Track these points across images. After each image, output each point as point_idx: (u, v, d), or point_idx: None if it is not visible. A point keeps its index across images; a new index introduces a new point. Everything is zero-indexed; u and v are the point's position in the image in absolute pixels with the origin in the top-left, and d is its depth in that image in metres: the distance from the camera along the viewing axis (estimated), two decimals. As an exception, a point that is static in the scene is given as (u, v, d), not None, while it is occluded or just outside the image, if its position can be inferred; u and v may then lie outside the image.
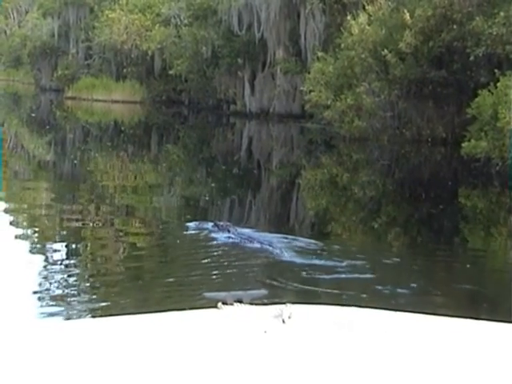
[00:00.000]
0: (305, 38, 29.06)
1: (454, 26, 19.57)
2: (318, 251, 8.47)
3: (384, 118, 21.14)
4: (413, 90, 20.95)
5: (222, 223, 9.46)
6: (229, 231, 9.11)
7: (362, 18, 21.92)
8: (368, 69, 21.29)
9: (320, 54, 24.13)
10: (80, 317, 5.58)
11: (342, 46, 22.52)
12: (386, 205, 13.22)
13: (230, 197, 13.54)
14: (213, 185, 15.13)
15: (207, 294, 1.91)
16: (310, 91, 22.94)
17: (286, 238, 9.02)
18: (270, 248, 8.35)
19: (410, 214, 12.45)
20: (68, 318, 5.64)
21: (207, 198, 13.29)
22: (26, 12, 58.53)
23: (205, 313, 1.90)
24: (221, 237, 8.93)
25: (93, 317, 5.23)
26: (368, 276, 7.41)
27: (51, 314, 5.92)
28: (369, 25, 21.64)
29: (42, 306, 6.20)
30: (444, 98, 20.79)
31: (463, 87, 20.14)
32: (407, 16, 20.17)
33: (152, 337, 1.81)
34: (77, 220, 10.52)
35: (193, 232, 9.40)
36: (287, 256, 8.09)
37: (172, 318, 1.93)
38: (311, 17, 28.95)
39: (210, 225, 9.48)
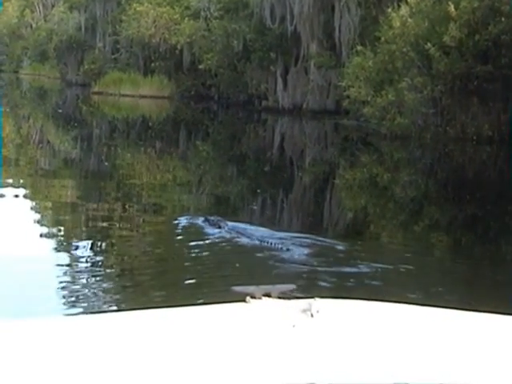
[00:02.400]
0: (339, 32, 28.80)
1: (502, 19, 19.11)
2: (333, 251, 8.33)
3: (426, 114, 20.74)
4: (457, 86, 20.49)
5: (212, 218, 9.45)
6: (219, 226, 9.10)
7: (404, 10, 21.53)
8: (410, 63, 20.90)
9: (359, 47, 23.76)
10: (104, 312, 5.62)
11: (382, 39, 22.13)
12: (429, 206, 12.90)
13: (261, 195, 13.34)
14: (243, 183, 14.97)
15: (235, 288, 1.90)
16: (349, 87, 22.63)
17: (297, 237, 8.85)
18: (263, 243, 8.33)
19: (453, 215, 12.12)
20: (92, 313, 5.70)
21: (237, 197, 13.13)
22: (52, 6, 59.14)
23: (233, 307, 1.92)
24: (212, 232, 8.93)
25: (119, 311, 5.21)
26: (404, 277, 7.32)
27: (77, 310, 5.97)
28: (411, 17, 21.24)
29: (67, 302, 6.23)
30: (490, 94, 20.31)
31: (510, 83, 19.66)
32: (452, 8, 19.72)
33: (181, 331, 1.80)
34: (102, 217, 10.45)
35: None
36: (283, 252, 8.03)
37: (200, 312, 1.94)
38: (346, 9, 28.68)
39: (200, 219, 9.52)
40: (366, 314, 1.94)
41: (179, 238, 9.01)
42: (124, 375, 1.58)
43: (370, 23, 27.31)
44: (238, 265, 7.71)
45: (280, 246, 8.26)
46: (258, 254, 8.05)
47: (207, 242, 8.52)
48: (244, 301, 1.95)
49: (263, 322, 1.86)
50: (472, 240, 10.36)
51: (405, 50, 20.85)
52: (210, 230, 9.04)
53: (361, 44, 24.41)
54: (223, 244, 8.48)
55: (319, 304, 1.94)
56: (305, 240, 8.71)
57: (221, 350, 1.71)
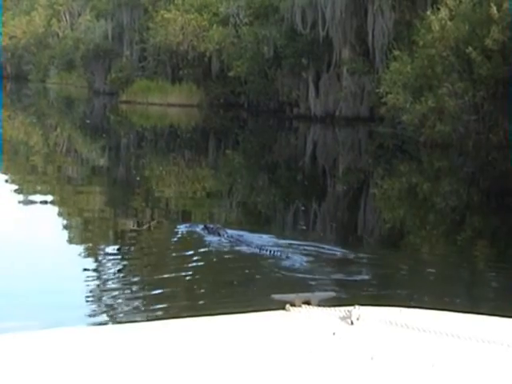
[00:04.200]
0: (372, 36, 28.65)
1: (547, 21, 18.79)
2: (335, 259, 8.31)
3: (468, 121, 20.42)
4: (500, 91, 20.13)
5: (212, 226, 9.52)
6: (219, 234, 9.16)
7: (443, 12, 21.25)
8: (450, 68, 20.62)
9: (396, 52, 23.51)
10: (136, 321, 5.57)
11: (421, 43, 21.87)
12: (471, 216, 12.68)
13: (293, 205, 13.24)
14: (275, 192, 14.88)
15: (275, 296, 1.91)
16: (387, 93, 22.41)
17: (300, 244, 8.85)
18: (262, 251, 8.36)
19: (496, 226, 11.88)
20: (122, 322, 5.75)
21: (269, 207, 13.04)
22: (79, 14, 59.98)
23: (273, 315, 1.97)
24: (212, 239, 9.02)
25: (150, 320, 5.20)
26: (444, 288, 7.24)
27: (105, 319, 6.05)
28: (450, 20, 20.97)
29: (95, 311, 6.29)
30: (534, 99, 19.96)
31: (555, 87, 19.31)
32: (494, 9, 19.38)
33: (223, 339, 1.84)
34: (130, 227, 10.46)
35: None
36: (283, 260, 8.02)
37: (241, 320, 1.98)
38: (379, 13, 28.52)
39: (200, 227, 9.59)
40: (405, 320, 1.94)
41: (205, 249, 8.96)
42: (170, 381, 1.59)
43: (404, 27, 27.11)
44: (237, 272, 7.75)
45: (280, 253, 8.25)
46: (258, 262, 8.06)
47: (211, 249, 8.58)
48: (284, 309, 1.96)
49: (303, 330, 1.89)
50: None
51: (445, 54, 20.57)
52: (210, 237, 9.11)
53: (394, 49, 24.20)
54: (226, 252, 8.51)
55: (359, 311, 1.95)
56: (308, 248, 8.67)
57: (262, 357, 1.74)
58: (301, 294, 2.01)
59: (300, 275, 7.48)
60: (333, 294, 2.14)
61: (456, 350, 1.84)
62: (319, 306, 2.01)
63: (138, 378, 1.60)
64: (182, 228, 9.77)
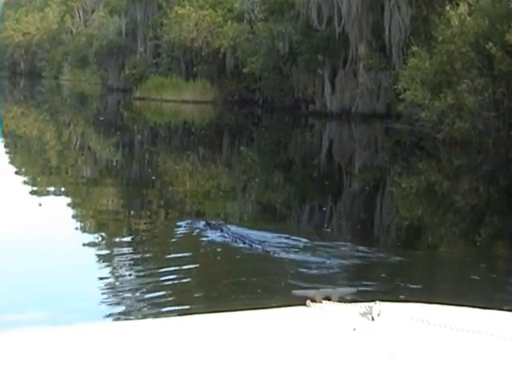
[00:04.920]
0: (389, 32, 28.51)
1: None
2: (338, 253, 8.29)
3: (488, 118, 20.25)
4: (520, 88, 20.02)
5: (213, 222, 9.55)
6: (221, 230, 9.18)
7: (462, 7, 21.07)
8: (470, 64, 20.44)
9: (415, 48, 23.37)
10: (151, 317, 5.61)
11: (440, 39, 21.71)
12: (491, 215, 12.58)
13: (308, 203, 13.20)
14: (290, 190, 14.85)
15: (296, 292, 1.95)
16: (405, 90, 22.29)
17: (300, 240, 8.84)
18: (264, 247, 8.39)
19: (517, 224, 11.77)
20: (139, 319, 5.79)
21: (284, 205, 13.01)
22: (93, 11, 60.30)
23: (294, 310, 1.98)
24: (214, 236, 9.04)
25: (166, 316, 5.22)
26: (462, 287, 7.26)
27: (121, 316, 6.05)
28: (470, 15, 20.80)
29: (110, 309, 6.30)
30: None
31: None
32: (514, 4, 19.26)
33: (243, 335, 1.86)
34: (145, 224, 10.46)
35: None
36: (283, 255, 8.06)
37: (262, 316, 2.00)
38: (396, 9, 28.37)
39: (201, 224, 9.61)
40: (426, 316, 1.96)
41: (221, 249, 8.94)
42: (189, 379, 1.60)
43: (421, 23, 26.97)
44: (242, 269, 7.77)
45: (281, 250, 8.25)
46: (259, 258, 8.07)
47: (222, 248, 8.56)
48: (305, 304, 1.97)
49: (324, 326, 1.90)
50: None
51: (464, 50, 20.40)
52: (212, 233, 9.13)
53: (412, 45, 24.06)
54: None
55: (380, 307, 1.96)
56: (311, 244, 8.67)
57: (283, 353, 1.75)
58: (321, 290, 2.03)
59: (304, 271, 7.47)
60: (354, 289, 2.15)
61: (477, 346, 1.85)
62: (339, 301, 2.00)
63: (155, 375, 1.59)
64: (183, 224, 9.81)
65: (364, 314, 1.95)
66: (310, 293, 2.01)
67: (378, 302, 1.98)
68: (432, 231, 11.20)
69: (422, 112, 21.43)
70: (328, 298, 2.01)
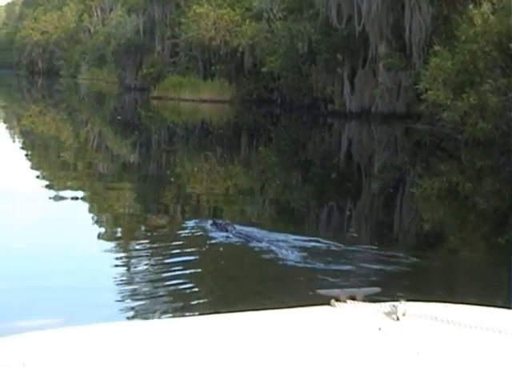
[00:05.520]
0: (410, 31, 28.41)
1: None
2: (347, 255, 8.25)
3: (511, 119, 20.08)
4: (545, 88, 19.82)
5: (220, 221, 9.54)
6: (227, 230, 9.17)
7: (485, 6, 20.91)
8: (493, 64, 20.26)
9: (437, 48, 23.24)
10: (173, 316, 5.70)
11: (462, 38, 21.56)
12: (514, 217, 12.48)
13: (327, 204, 13.16)
14: (309, 190, 14.82)
15: (321, 291, 1.98)
16: (427, 90, 22.17)
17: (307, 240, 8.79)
18: (271, 247, 8.37)
19: (541, 227, 11.65)
20: (157, 317, 5.84)
21: (302, 205, 12.98)
22: (110, 10, 60.68)
23: (319, 310, 2.01)
24: (219, 235, 9.06)
25: (191, 315, 5.24)
26: (484, 289, 7.20)
27: (136, 315, 6.08)
28: (493, 14, 20.65)
29: (125, 308, 6.33)
30: None
31: None
32: (539, 3, 19.11)
33: (266, 334, 1.87)
34: (159, 225, 10.46)
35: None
36: (291, 256, 8.00)
37: (285, 315, 2.01)
38: (417, 8, 28.27)
39: (208, 223, 9.62)
40: (451, 316, 1.97)
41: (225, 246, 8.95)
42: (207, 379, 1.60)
43: (442, 22, 26.83)
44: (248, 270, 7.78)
45: (289, 250, 8.21)
46: (266, 257, 8.06)
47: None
48: (329, 304, 1.99)
49: (349, 325, 1.92)
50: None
51: (487, 49, 20.23)
52: (218, 233, 9.14)
53: (434, 44, 23.94)
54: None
55: (405, 307, 1.97)
56: (320, 244, 8.63)
57: (308, 352, 1.76)
58: (346, 290, 2.05)
59: (313, 272, 7.45)
60: (378, 289, 2.15)
61: (501, 346, 1.85)
62: (364, 301, 2.01)
63: (177, 373, 1.60)
64: (190, 224, 9.85)
65: (389, 314, 1.96)
66: (335, 292, 2.02)
67: (402, 302, 1.99)
68: (453, 233, 11.12)
69: (443, 112, 21.29)
70: (353, 298, 2.02)
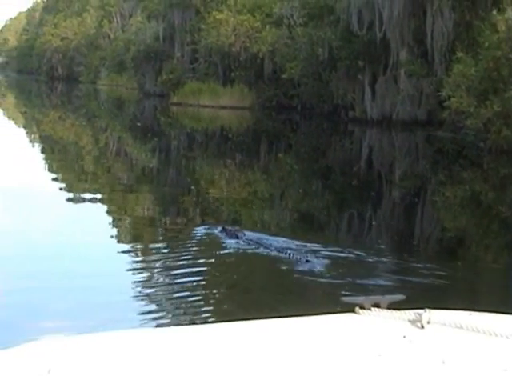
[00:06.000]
0: (431, 38, 28.29)
1: None
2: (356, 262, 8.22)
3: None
4: None
5: (230, 227, 9.55)
6: (237, 236, 9.16)
7: (510, 12, 20.77)
8: (517, 71, 20.18)
9: (460, 54, 23.12)
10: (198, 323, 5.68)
11: (486, 45, 21.41)
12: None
13: (348, 211, 13.14)
14: (329, 198, 14.80)
15: (345, 299, 2.01)
16: (450, 97, 22.06)
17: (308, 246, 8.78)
18: (281, 254, 8.38)
19: None
20: (178, 324, 5.84)
21: (322, 213, 12.96)
22: (130, 16, 61.03)
23: (343, 317, 2.02)
24: (230, 242, 9.07)
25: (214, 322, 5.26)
26: (502, 296, 7.26)
27: (159, 322, 6.11)
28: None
29: (146, 313, 6.36)
30: None
31: None
32: None
33: (290, 342, 1.87)
34: (179, 231, 10.51)
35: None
36: (302, 263, 7.99)
37: (309, 323, 2.01)
38: (439, 14, 28.14)
39: (218, 229, 9.63)
40: (475, 324, 1.96)
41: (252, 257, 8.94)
42: None
43: (464, 28, 26.71)
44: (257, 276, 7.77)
45: (299, 256, 8.18)
46: (276, 265, 8.07)
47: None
48: (353, 311, 2.00)
49: (373, 333, 1.92)
50: None
51: (511, 55, 20.13)
52: (228, 240, 9.15)
53: (457, 51, 23.82)
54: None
55: (429, 315, 1.97)
56: (328, 252, 8.59)
57: (333, 359, 1.77)
58: (370, 297, 2.06)
59: (325, 281, 7.45)
60: (402, 296, 2.16)
61: None
62: (388, 308, 2.02)
63: (204, 381, 1.61)
64: (200, 230, 9.87)
65: (413, 322, 1.96)
66: (359, 299, 2.02)
67: (427, 310, 1.98)
68: (477, 243, 11.04)
69: (466, 120, 21.16)
70: (377, 305, 2.02)
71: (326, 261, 8.15)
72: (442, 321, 1.96)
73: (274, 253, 8.47)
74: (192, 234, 9.77)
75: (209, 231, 9.74)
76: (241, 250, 8.72)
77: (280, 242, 9.01)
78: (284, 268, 8.02)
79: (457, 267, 8.77)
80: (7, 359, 1.67)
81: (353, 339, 1.86)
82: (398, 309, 2.03)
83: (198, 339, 1.84)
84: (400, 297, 2.14)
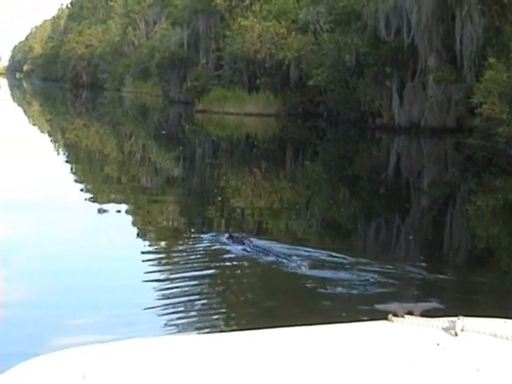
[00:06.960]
0: (461, 43, 28.10)
1: None
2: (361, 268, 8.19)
3: None
4: None
5: (237, 234, 9.56)
6: (243, 243, 9.18)
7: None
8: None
9: (491, 60, 22.95)
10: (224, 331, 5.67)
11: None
12: None
13: (375, 220, 13.07)
14: (356, 206, 14.75)
15: (378, 306, 2.02)
16: (481, 103, 21.89)
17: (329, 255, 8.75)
18: (286, 261, 8.36)
19: None
20: (206, 332, 5.84)
21: (349, 221, 12.93)
22: (155, 23, 61.51)
23: (377, 324, 2.02)
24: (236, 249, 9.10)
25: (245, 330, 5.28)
26: None
27: (183, 329, 6.17)
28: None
29: (169, 321, 6.41)
30: None
31: None
32: None
33: (324, 349, 1.89)
34: (203, 240, 10.52)
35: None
36: (307, 270, 8.00)
37: (343, 330, 2.02)
38: (468, 19, 27.95)
39: (224, 236, 9.67)
40: (510, 332, 1.94)
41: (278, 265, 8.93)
42: None
43: (494, 34, 26.51)
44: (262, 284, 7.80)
45: (304, 264, 8.19)
46: (283, 272, 8.07)
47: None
48: (387, 319, 2.00)
49: (407, 340, 1.92)
50: None
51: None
52: (234, 247, 9.18)
53: (489, 56, 23.64)
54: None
55: (463, 322, 1.96)
56: (338, 259, 8.55)
57: (367, 367, 1.78)
58: (404, 304, 2.05)
59: (334, 291, 7.42)
60: (436, 304, 2.16)
61: None
62: (422, 316, 2.02)
63: None
64: (206, 237, 9.90)
65: (447, 329, 1.95)
66: (393, 307, 2.03)
67: (461, 317, 1.97)
68: (508, 252, 10.93)
69: (499, 127, 20.96)
70: (410, 313, 2.02)
71: (340, 270, 8.12)
72: (476, 328, 1.95)
73: (281, 260, 8.47)
74: (198, 241, 9.83)
75: (215, 238, 9.78)
76: (248, 257, 8.77)
77: (287, 249, 9.01)
78: (290, 277, 8.01)
79: (491, 276, 8.70)
80: (43, 365, 1.70)
81: (386, 347, 1.86)
82: (432, 316, 2.03)
83: (226, 346, 1.85)
84: (433, 305, 2.13)
